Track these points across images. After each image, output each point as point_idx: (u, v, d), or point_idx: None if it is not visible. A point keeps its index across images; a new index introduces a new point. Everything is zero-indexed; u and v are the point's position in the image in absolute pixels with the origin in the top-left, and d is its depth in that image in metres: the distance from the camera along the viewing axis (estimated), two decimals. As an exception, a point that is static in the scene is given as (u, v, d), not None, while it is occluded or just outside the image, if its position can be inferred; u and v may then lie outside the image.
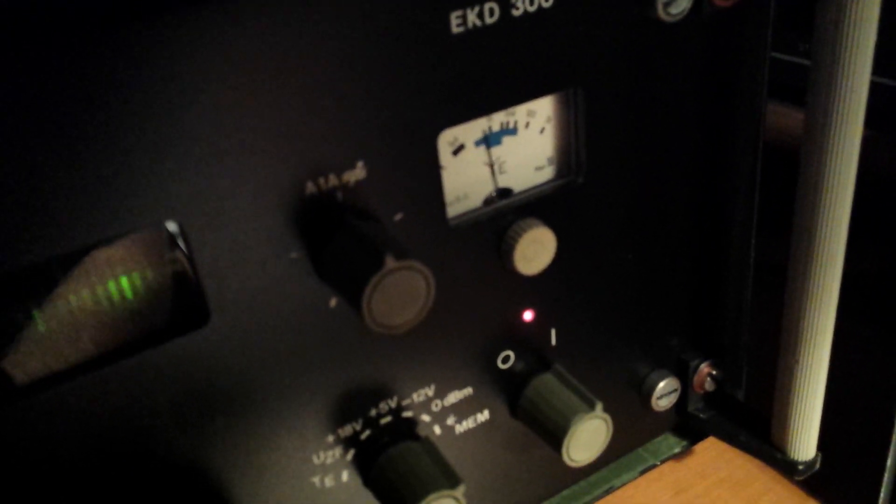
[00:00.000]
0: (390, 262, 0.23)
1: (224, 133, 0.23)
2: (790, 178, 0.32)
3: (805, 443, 0.34)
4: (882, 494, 0.36)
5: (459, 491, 0.29)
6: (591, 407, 0.31)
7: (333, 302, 0.27)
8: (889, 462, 0.35)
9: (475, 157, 0.30)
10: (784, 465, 0.35)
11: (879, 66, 0.29)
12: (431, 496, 0.28)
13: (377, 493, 0.30)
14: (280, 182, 0.25)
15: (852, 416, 0.36)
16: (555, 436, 0.31)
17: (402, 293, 0.24)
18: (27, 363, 0.24)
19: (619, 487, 0.38)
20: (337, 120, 0.25)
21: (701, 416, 0.39)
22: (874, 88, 0.29)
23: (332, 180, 0.26)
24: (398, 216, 0.27)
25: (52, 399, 0.23)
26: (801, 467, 0.34)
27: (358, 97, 0.25)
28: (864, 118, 0.29)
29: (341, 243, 0.25)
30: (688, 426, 0.40)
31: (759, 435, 0.36)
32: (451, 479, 0.29)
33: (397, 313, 0.24)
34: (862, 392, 0.36)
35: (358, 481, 0.31)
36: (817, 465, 0.35)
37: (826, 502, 0.39)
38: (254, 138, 0.24)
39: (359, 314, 0.24)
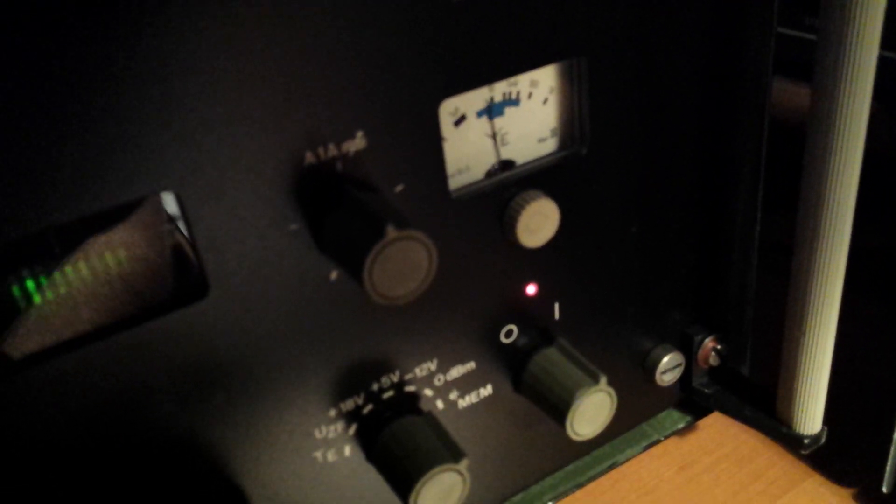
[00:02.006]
0: (391, 232, 0.23)
1: (221, 102, 0.23)
2: (794, 153, 0.32)
3: (811, 417, 0.34)
4: (888, 469, 0.35)
5: (463, 465, 0.28)
6: (596, 380, 0.31)
7: (334, 275, 0.27)
8: (895, 436, 0.35)
9: (477, 128, 0.29)
10: (789, 440, 0.35)
11: (887, 41, 0.28)
12: (435, 469, 0.28)
13: (380, 468, 0.30)
14: (279, 152, 0.24)
15: (858, 391, 0.35)
16: (559, 410, 0.31)
17: (404, 264, 0.24)
18: (26, 338, 0.24)
19: (622, 463, 0.38)
20: (336, 89, 0.24)
21: (705, 390, 0.38)
22: (882, 63, 0.28)
23: (332, 150, 0.25)
24: (399, 188, 0.27)
25: (50, 373, 0.23)
26: (806, 441, 0.34)
27: (357, 65, 0.25)
28: (871, 92, 0.28)
29: (341, 214, 0.25)
30: (692, 401, 0.40)
31: (764, 409, 0.36)
32: (454, 453, 0.29)
33: (399, 284, 0.24)
34: (868, 366, 0.36)
35: (360, 456, 0.31)
36: (823, 440, 0.35)
37: (831, 477, 0.38)
38: (251, 107, 0.23)
39: (360, 285, 0.24)
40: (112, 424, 0.25)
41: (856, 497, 0.37)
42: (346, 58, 0.24)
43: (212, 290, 0.25)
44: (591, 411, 0.31)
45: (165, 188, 0.23)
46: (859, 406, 0.35)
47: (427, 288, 0.25)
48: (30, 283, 0.24)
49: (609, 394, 0.31)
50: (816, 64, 0.28)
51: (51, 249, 0.25)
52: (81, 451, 0.25)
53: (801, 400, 0.34)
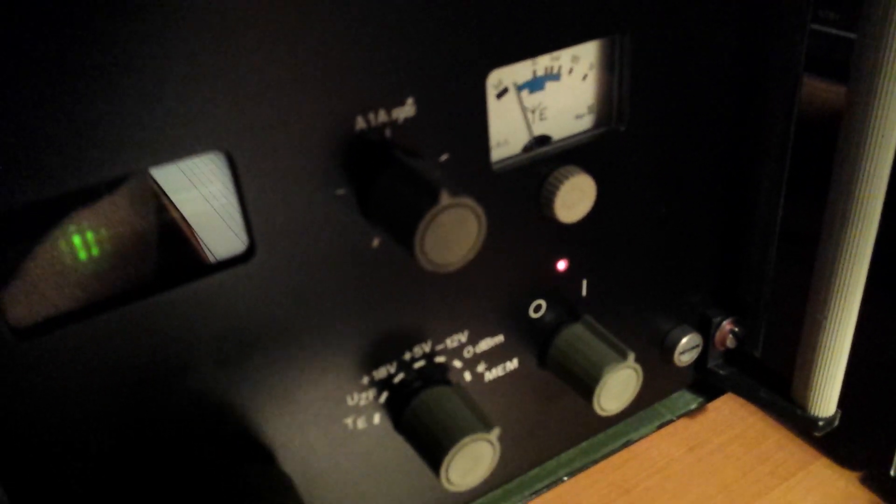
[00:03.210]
0: (445, 198, 0.23)
1: (277, 65, 0.23)
2: (818, 145, 0.32)
3: (826, 400, 0.35)
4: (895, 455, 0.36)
5: (494, 434, 0.29)
6: (624, 357, 0.31)
7: (376, 242, 0.27)
8: (905, 421, 0.36)
9: (517, 102, 0.29)
10: (804, 422, 0.35)
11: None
12: (467, 438, 0.28)
13: (410, 437, 0.30)
14: (330, 116, 0.24)
15: (870, 376, 0.36)
16: (587, 385, 0.31)
17: (454, 231, 0.24)
18: (71, 293, 0.24)
19: (636, 441, 0.39)
20: (388, 54, 0.24)
21: (720, 372, 0.39)
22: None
23: (382, 116, 0.25)
24: (444, 156, 0.27)
25: (96, 329, 0.23)
26: (821, 423, 0.35)
27: (410, 32, 0.25)
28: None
29: (392, 179, 0.25)
30: (704, 383, 0.41)
31: (779, 391, 0.37)
32: (485, 423, 0.29)
33: (448, 251, 0.24)
34: (881, 353, 0.36)
35: (388, 425, 0.31)
36: (836, 423, 0.35)
37: (838, 460, 0.39)
38: (305, 70, 0.23)
39: (409, 251, 0.24)
40: (152, 382, 0.25)
41: (863, 480, 0.38)
42: (399, 23, 0.24)
43: (258, 251, 0.25)
44: (618, 387, 0.31)
45: (218, 148, 0.23)
46: (871, 391, 0.36)
47: (473, 256, 0.25)
48: (76, 239, 0.24)
49: (636, 370, 0.32)
50: (854, 63, 0.28)
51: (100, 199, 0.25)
52: (120, 406, 0.25)
53: (818, 383, 0.34)
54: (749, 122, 0.34)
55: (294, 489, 0.28)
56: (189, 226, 0.31)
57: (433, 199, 0.23)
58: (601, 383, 0.31)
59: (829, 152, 0.31)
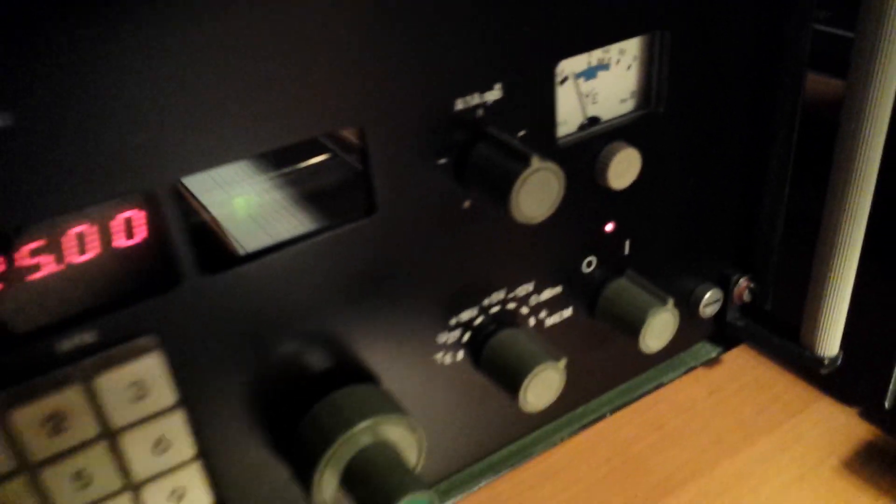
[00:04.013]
0: (536, 162, 0.29)
1: (400, 55, 0.28)
2: (821, 135, 0.38)
3: (831, 341, 0.41)
4: (891, 388, 0.42)
5: (561, 364, 0.35)
6: (665, 302, 0.37)
7: (467, 203, 0.33)
8: (897, 360, 0.42)
9: (574, 88, 0.35)
10: (812, 362, 0.41)
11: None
12: (539, 367, 0.34)
13: (489, 370, 0.36)
14: (437, 98, 0.30)
15: (867, 322, 0.42)
16: (635, 327, 0.37)
17: (541, 189, 0.30)
18: (232, 244, 0.29)
19: (666, 384, 0.45)
20: (482, 49, 0.30)
21: (738, 324, 0.45)
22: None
23: (476, 99, 0.31)
24: (522, 133, 0.33)
25: (261, 268, 0.29)
26: (826, 362, 0.41)
27: (499, 30, 0.30)
28: None
29: (489, 149, 0.30)
30: (722, 335, 0.47)
31: (789, 338, 0.43)
32: (553, 356, 0.35)
33: (536, 206, 0.30)
34: (875, 301, 0.42)
35: (468, 363, 0.37)
36: (839, 362, 0.41)
37: (839, 398, 0.45)
38: (420, 60, 0.29)
39: (504, 207, 0.29)
40: (297, 312, 0.30)
41: (861, 414, 0.44)
42: (492, 24, 0.30)
43: (378, 209, 0.31)
44: (660, 327, 0.37)
45: (357, 124, 0.29)
46: (867, 336, 0.42)
47: (553, 211, 0.31)
48: (239, 201, 0.29)
49: (673, 313, 0.38)
50: (854, 58, 0.34)
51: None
52: (272, 331, 0.30)
53: (824, 327, 0.40)
54: (762, 109, 0.40)
55: (396, 401, 0.33)
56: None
57: (526, 162, 0.29)
58: (646, 324, 0.37)
59: (828, 140, 0.37)
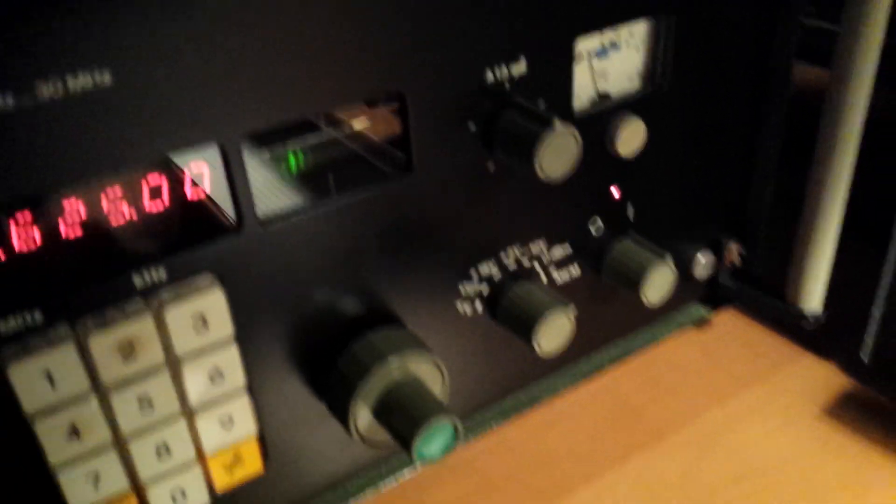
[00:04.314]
0: (558, 126, 0.32)
1: (439, 24, 0.32)
2: (807, 116, 0.42)
3: (814, 298, 0.45)
4: (866, 342, 0.46)
5: (570, 309, 0.38)
6: (664, 258, 0.41)
7: (492, 167, 0.36)
8: (873, 316, 0.46)
9: (588, 66, 0.39)
10: (797, 318, 0.45)
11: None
12: (550, 311, 0.38)
13: (505, 319, 0.39)
14: (470, 64, 0.33)
15: (845, 282, 0.46)
16: (635, 281, 0.41)
17: (562, 151, 0.33)
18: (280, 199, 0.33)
19: (661, 340, 0.49)
20: (510, 24, 0.34)
21: (728, 285, 0.49)
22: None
23: (503, 71, 0.34)
24: (542, 103, 0.36)
25: (312, 221, 0.32)
26: (811, 318, 0.45)
27: (524, 8, 0.34)
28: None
29: (516, 115, 0.34)
30: (714, 297, 0.50)
31: (776, 297, 0.47)
32: (563, 303, 0.38)
33: (557, 166, 0.33)
34: (853, 266, 0.46)
35: (486, 315, 0.40)
36: (822, 319, 0.45)
37: (821, 354, 0.49)
38: (457, 32, 0.32)
39: (529, 166, 0.33)
40: (329, 267, 0.34)
41: (841, 368, 0.48)
42: (518, 3, 0.33)
43: (414, 168, 0.34)
44: (660, 281, 0.41)
45: (400, 90, 0.32)
46: (847, 295, 0.46)
47: (572, 172, 0.34)
48: (291, 158, 0.33)
49: (672, 268, 0.41)
50: (837, 48, 0.38)
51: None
52: (317, 277, 0.34)
53: (808, 285, 0.44)
54: (756, 92, 0.44)
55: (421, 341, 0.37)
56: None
57: (550, 126, 0.32)
58: (648, 278, 0.41)
59: (814, 121, 0.41)
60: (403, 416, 0.34)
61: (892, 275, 0.45)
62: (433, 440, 0.34)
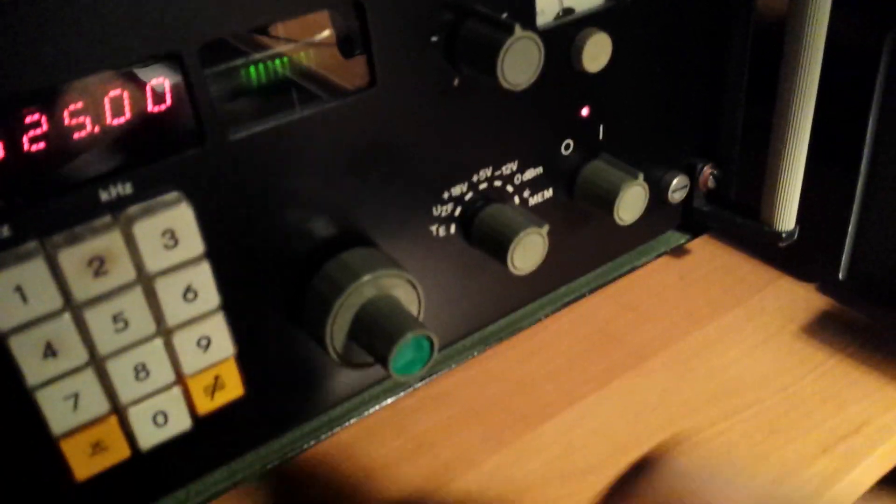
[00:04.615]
0: (518, 31, 0.32)
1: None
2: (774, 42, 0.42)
3: (787, 216, 0.45)
4: (843, 260, 0.46)
5: (544, 229, 0.38)
6: (636, 177, 0.41)
7: (457, 81, 0.36)
8: (848, 235, 0.46)
9: (550, -19, 0.39)
10: (771, 237, 0.46)
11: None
12: (525, 231, 0.38)
13: (480, 240, 0.39)
14: (428, -20, 0.33)
15: (820, 200, 0.46)
16: (608, 200, 0.41)
17: (524, 57, 0.33)
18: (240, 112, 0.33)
19: (640, 267, 0.49)
20: (467, -65, 0.34)
21: (703, 209, 0.49)
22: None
23: (464, -18, 0.34)
24: (505, 15, 0.36)
25: (276, 134, 0.32)
26: (784, 235, 0.45)
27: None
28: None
29: (475, 25, 0.34)
30: (689, 224, 0.51)
31: (750, 217, 0.47)
32: (537, 222, 0.39)
33: (521, 73, 0.33)
34: (825, 185, 0.46)
35: (460, 238, 0.40)
36: (795, 236, 0.46)
37: (798, 276, 0.50)
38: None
39: (492, 74, 0.33)
40: (296, 185, 0.34)
41: (818, 289, 0.49)
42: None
43: (378, 82, 0.34)
44: (632, 199, 0.41)
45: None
46: (821, 214, 0.46)
47: (535, 80, 0.34)
48: (252, 70, 0.33)
49: (643, 187, 0.41)
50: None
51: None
52: (276, 200, 0.34)
53: (780, 203, 0.44)
54: (723, 11, 0.44)
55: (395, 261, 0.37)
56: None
57: (511, 31, 0.32)
58: (620, 197, 0.41)
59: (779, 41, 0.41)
60: (378, 333, 0.34)
61: (863, 193, 0.45)
62: (409, 354, 0.34)
